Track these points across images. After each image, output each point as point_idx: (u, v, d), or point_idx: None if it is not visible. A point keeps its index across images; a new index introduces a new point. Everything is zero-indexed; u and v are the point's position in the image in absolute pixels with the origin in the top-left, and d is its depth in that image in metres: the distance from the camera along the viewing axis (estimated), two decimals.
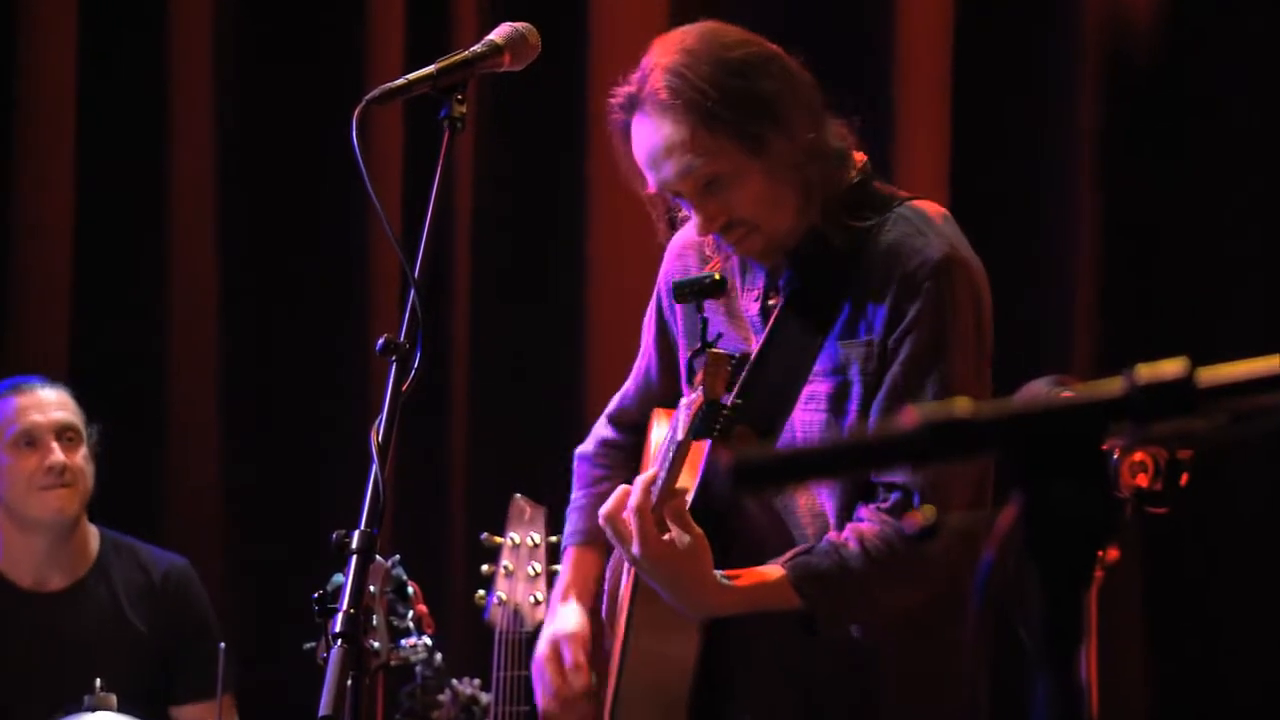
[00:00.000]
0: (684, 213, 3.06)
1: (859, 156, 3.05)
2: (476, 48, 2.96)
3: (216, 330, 5.30)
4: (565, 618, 3.20)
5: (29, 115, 5.21)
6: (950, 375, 2.92)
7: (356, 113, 2.83)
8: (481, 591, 4.15)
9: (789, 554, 2.94)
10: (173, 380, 5.28)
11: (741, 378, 2.99)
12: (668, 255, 3.23)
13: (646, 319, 3.28)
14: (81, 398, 4.69)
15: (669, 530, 2.91)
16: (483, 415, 5.31)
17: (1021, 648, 1.42)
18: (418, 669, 4.20)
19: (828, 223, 2.98)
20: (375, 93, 2.89)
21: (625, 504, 2.92)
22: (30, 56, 5.20)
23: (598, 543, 3.29)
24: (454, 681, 4.27)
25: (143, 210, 5.28)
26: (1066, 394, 1.37)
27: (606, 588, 3.27)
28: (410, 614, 3.92)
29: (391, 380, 2.79)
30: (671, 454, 2.90)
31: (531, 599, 3.75)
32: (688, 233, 3.15)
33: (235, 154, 5.32)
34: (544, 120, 5.32)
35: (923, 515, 1.32)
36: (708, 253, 3.13)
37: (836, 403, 2.97)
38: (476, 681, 4.28)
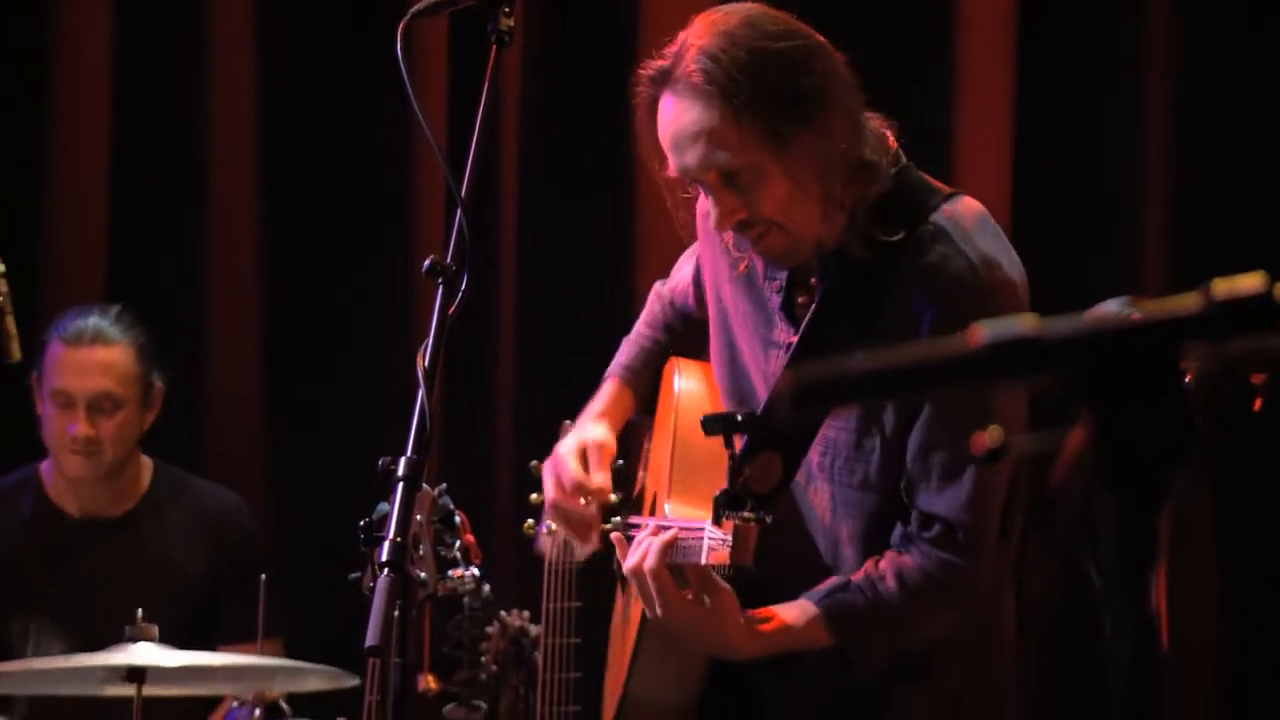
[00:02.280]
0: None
1: (891, 144, 2.95)
2: None
3: (257, 252, 5.31)
4: (595, 430, 3.19)
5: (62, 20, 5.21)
6: (990, 403, 2.86)
7: (401, 26, 2.82)
8: (530, 521, 4.15)
9: (822, 589, 2.93)
10: (214, 305, 5.29)
11: (773, 384, 2.97)
12: (702, 228, 3.14)
13: (687, 261, 3.25)
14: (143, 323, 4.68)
15: (689, 588, 2.89)
16: (531, 339, 5.30)
17: (1086, 587, 1.41)
18: (465, 600, 4.20)
19: (853, 235, 2.90)
20: (420, 5, 2.87)
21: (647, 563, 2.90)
22: None
23: (635, 384, 3.31)
24: (502, 613, 4.28)
25: (181, 127, 5.27)
26: (1138, 315, 1.35)
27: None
28: (457, 544, 3.92)
29: (439, 303, 2.78)
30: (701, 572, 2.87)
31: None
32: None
33: (276, 70, 5.31)
34: (592, 43, 5.30)
35: (990, 437, 1.31)
36: (734, 251, 3.06)
37: (865, 421, 2.93)
38: (525, 613, 4.29)
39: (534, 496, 4.19)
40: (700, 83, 2.85)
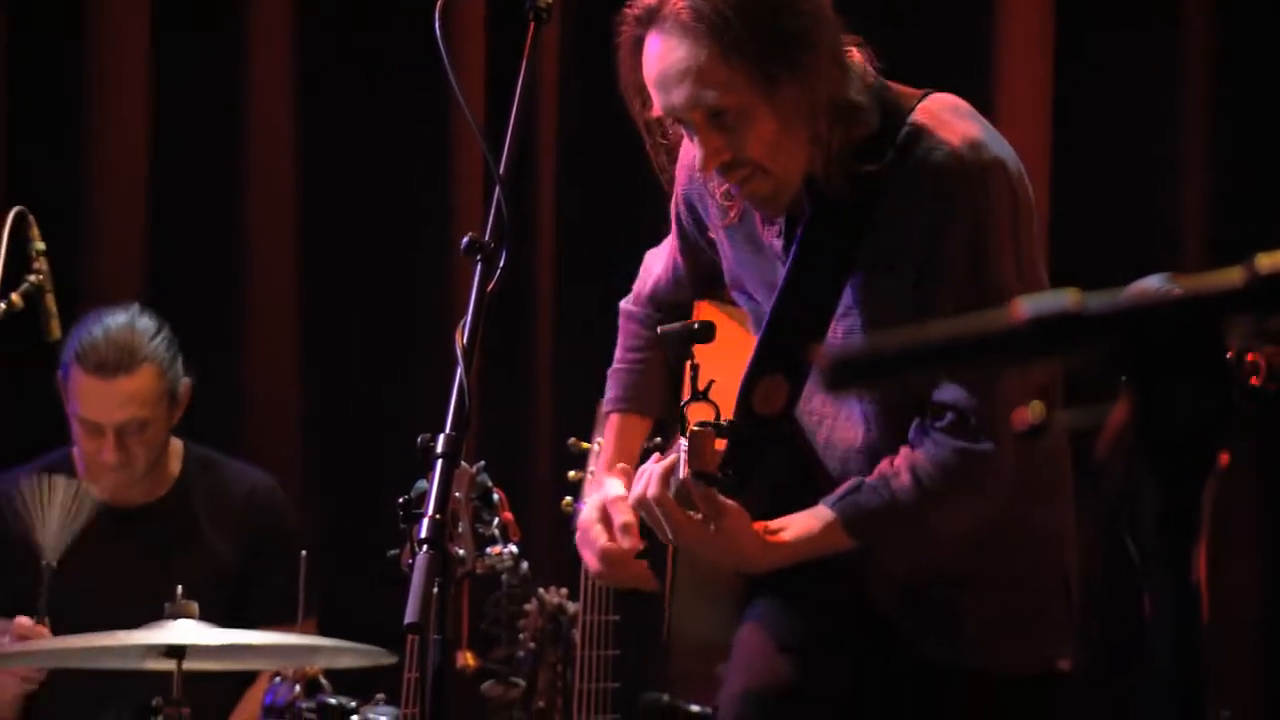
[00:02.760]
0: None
1: (869, 73, 2.92)
2: None
3: (296, 231, 5.32)
4: (611, 485, 3.16)
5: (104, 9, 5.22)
6: (992, 286, 2.85)
7: (439, 5, 2.82)
8: (569, 498, 4.16)
9: (837, 493, 2.92)
10: (253, 285, 5.30)
11: (767, 317, 2.96)
12: (681, 167, 3.13)
13: (673, 209, 3.22)
14: (155, 314, 4.68)
15: (697, 509, 2.88)
16: (569, 318, 5.31)
17: (1126, 556, 1.41)
18: (503, 577, 4.22)
19: (837, 167, 2.88)
20: None
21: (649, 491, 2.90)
22: None
23: (639, 407, 3.28)
24: (540, 590, 4.29)
25: (220, 113, 5.28)
26: (1177, 291, 1.35)
27: None
28: (496, 521, 3.93)
29: (477, 280, 2.78)
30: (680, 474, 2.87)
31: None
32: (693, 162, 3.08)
33: (315, 50, 5.32)
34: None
35: (1032, 411, 1.31)
36: (721, 200, 3.04)
37: (873, 333, 2.92)
38: (563, 590, 4.30)
39: (571, 474, 4.20)
40: (689, 20, 2.83)
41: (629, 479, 3.15)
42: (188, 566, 4.47)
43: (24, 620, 4.22)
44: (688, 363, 2.89)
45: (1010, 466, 2.90)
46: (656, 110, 2.92)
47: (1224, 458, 1.37)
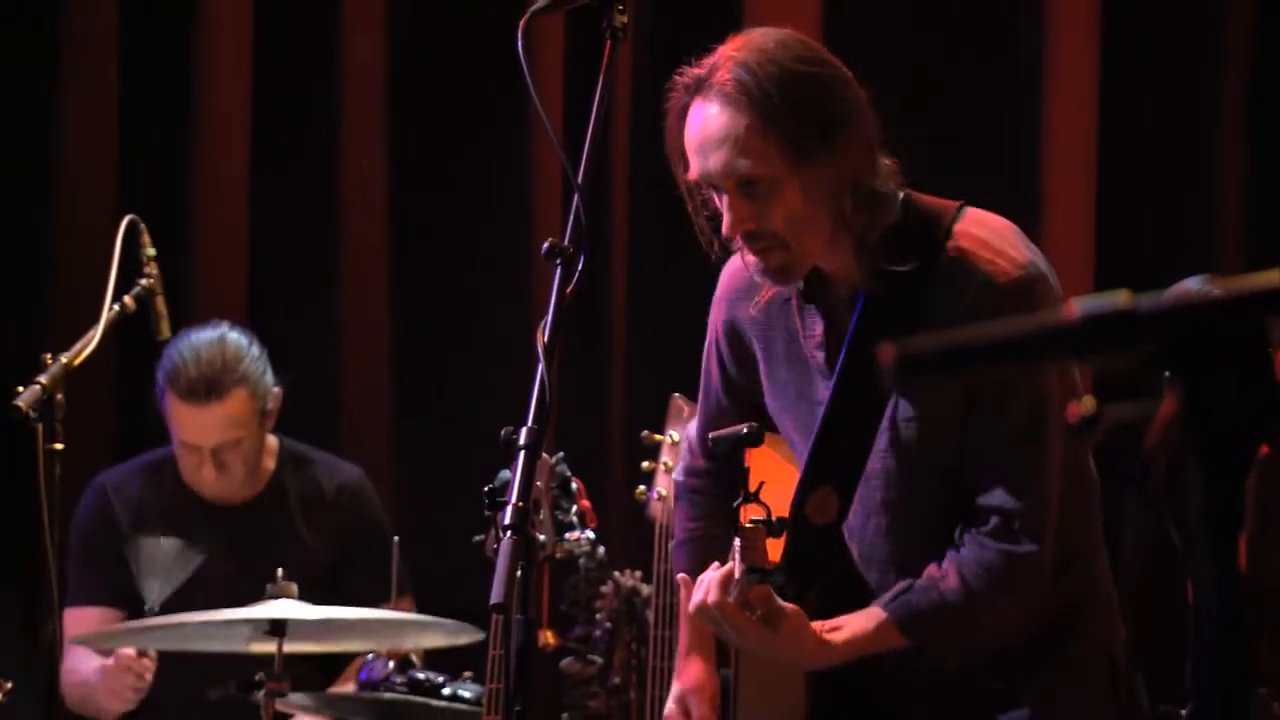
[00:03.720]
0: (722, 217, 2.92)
1: (895, 178, 2.89)
2: None
3: (387, 233, 5.34)
4: (689, 675, 3.15)
5: (206, 34, 5.24)
6: (1044, 410, 2.83)
7: (522, 23, 2.81)
8: (642, 487, 4.16)
9: (888, 595, 2.89)
10: (347, 287, 5.32)
11: (816, 428, 2.92)
12: (718, 301, 3.11)
13: (706, 354, 3.16)
14: (259, 316, 4.69)
15: (758, 613, 2.85)
16: (641, 317, 5.31)
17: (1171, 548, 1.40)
18: (581, 561, 4.22)
19: (867, 267, 2.86)
20: (540, 3, 2.86)
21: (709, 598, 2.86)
22: None
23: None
24: (616, 574, 4.29)
25: (316, 125, 5.30)
26: (1218, 291, 1.33)
27: None
28: (574, 509, 3.94)
29: (556, 283, 2.77)
30: (739, 589, 2.83)
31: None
32: (733, 275, 3.06)
33: (406, 68, 5.34)
34: (699, 39, 5.29)
35: (1084, 406, 1.30)
36: (756, 298, 3.01)
37: (917, 449, 2.88)
38: (638, 574, 4.30)
39: (644, 464, 4.20)
40: (733, 91, 2.81)
41: (705, 665, 3.14)
42: (285, 559, 4.48)
43: (128, 653, 4.22)
44: (742, 469, 2.83)
45: (1043, 566, 2.87)
46: (693, 174, 2.89)
47: (1264, 450, 1.35)
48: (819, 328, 2.95)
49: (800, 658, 2.91)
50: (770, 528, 2.80)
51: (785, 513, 2.90)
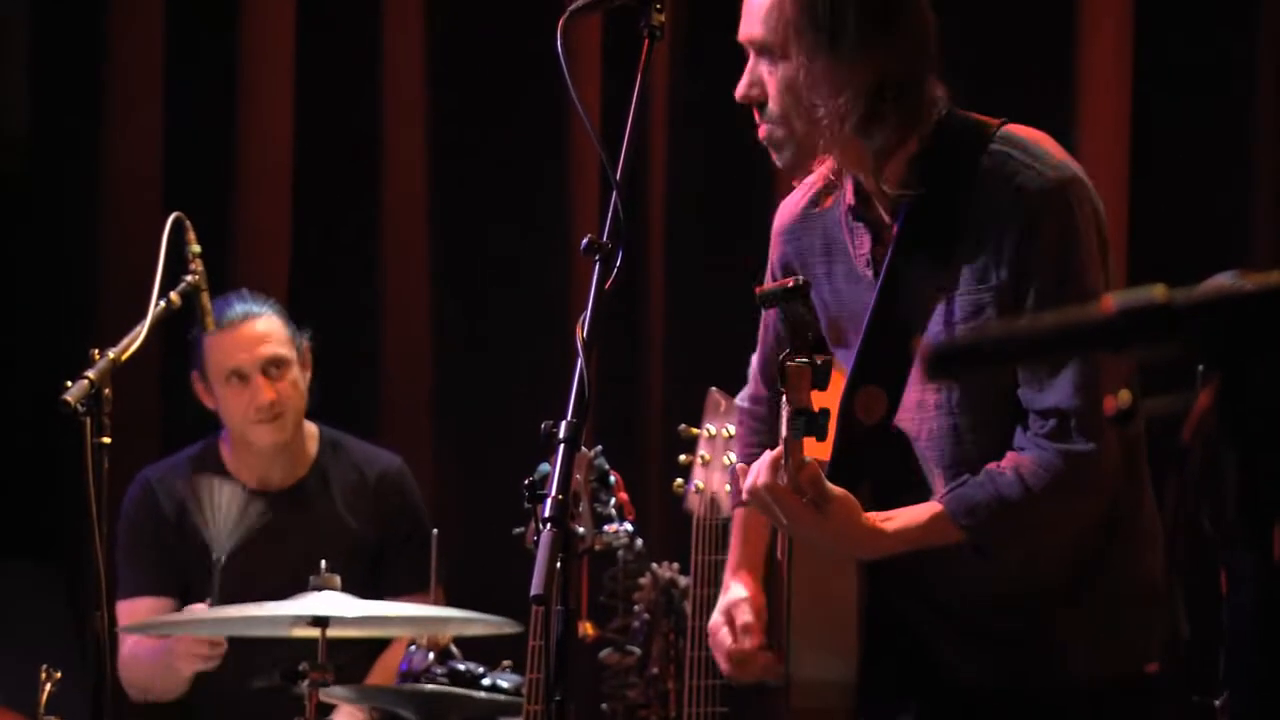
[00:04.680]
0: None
1: (933, 102, 2.89)
2: None
3: (428, 229, 5.34)
4: (735, 590, 3.13)
5: (250, 33, 5.25)
6: (1082, 297, 2.77)
7: (561, 23, 2.81)
8: (680, 480, 4.15)
9: (946, 489, 2.87)
10: (389, 278, 5.33)
11: (864, 329, 2.92)
12: (775, 235, 3.10)
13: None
14: (302, 309, 4.73)
15: (808, 496, 2.82)
16: (679, 312, 5.30)
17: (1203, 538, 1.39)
18: (620, 553, 4.22)
19: (910, 174, 2.87)
20: (578, 3, 2.86)
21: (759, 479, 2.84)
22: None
23: None
24: (654, 565, 4.29)
25: (358, 124, 5.31)
26: (1250, 286, 1.32)
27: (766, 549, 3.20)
28: (612, 501, 3.93)
29: (595, 279, 2.77)
30: (785, 446, 2.81)
31: (727, 487, 3.73)
32: (786, 208, 3.08)
33: (446, 65, 5.34)
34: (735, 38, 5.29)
35: (1119, 400, 1.29)
36: (809, 223, 3.04)
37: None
38: (675, 565, 4.29)
39: (682, 458, 4.20)
40: None
41: (753, 580, 3.13)
42: (327, 543, 4.50)
43: (199, 607, 4.26)
44: (786, 321, 2.82)
45: (1112, 465, 2.84)
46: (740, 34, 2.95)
47: None
48: (866, 244, 2.95)
49: (850, 544, 2.86)
50: (815, 370, 2.75)
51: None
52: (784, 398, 2.75)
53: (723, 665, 3.13)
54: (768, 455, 2.84)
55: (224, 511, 4.47)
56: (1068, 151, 2.93)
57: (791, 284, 2.80)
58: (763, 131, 2.92)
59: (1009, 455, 2.85)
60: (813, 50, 2.84)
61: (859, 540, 2.86)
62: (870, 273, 2.94)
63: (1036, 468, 2.82)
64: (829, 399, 2.91)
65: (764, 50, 2.87)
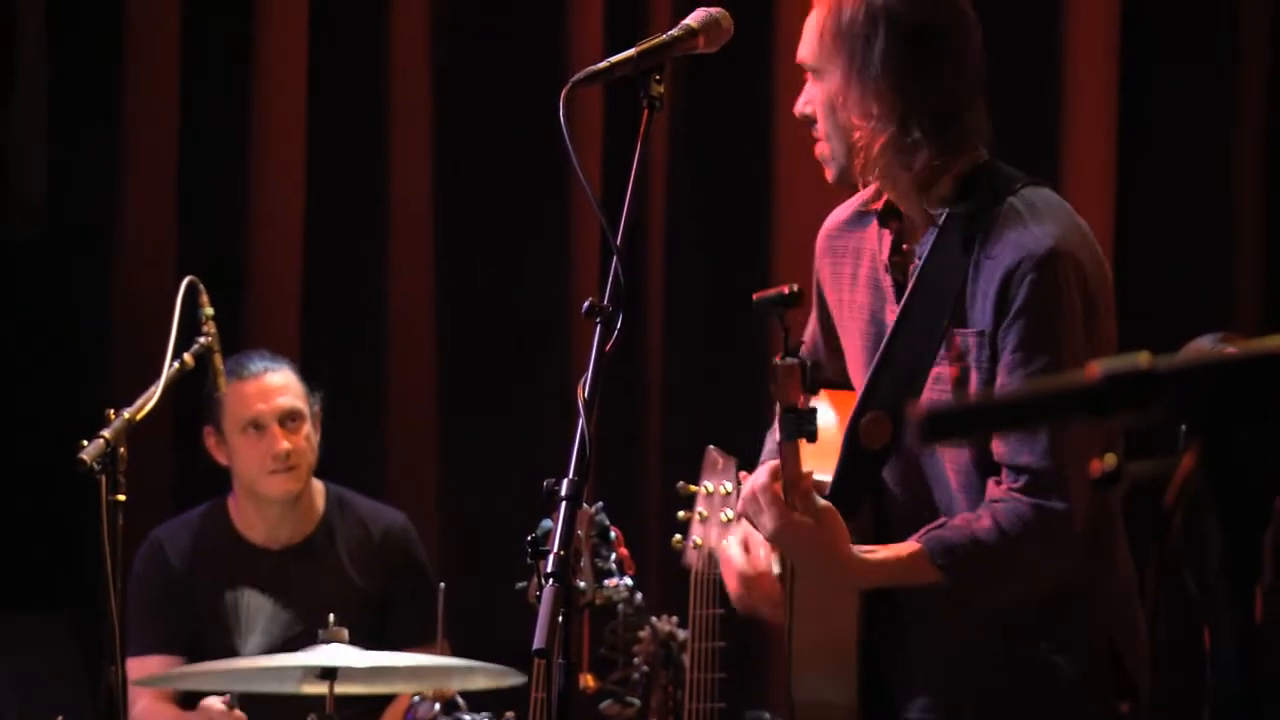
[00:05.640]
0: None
1: (979, 144, 2.97)
2: (674, 31, 2.93)
3: (433, 293, 5.35)
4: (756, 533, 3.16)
5: (266, 80, 5.27)
6: (1058, 367, 2.82)
7: (564, 93, 2.82)
8: (678, 536, 4.14)
9: (924, 529, 2.88)
10: (394, 341, 5.34)
11: (878, 355, 2.95)
12: (818, 251, 3.15)
13: (813, 297, 3.21)
14: (312, 370, 4.74)
15: (798, 509, 2.84)
16: (677, 374, 5.31)
17: (1186, 596, 1.39)
18: (620, 607, 4.21)
19: (935, 201, 2.94)
20: (581, 75, 2.87)
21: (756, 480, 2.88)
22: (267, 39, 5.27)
23: None
24: (653, 619, 4.28)
25: (365, 191, 5.33)
26: (1231, 349, 1.33)
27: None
28: (613, 556, 3.93)
29: (596, 340, 2.78)
30: (781, 450, 2.84)
31: (724, 543, 3.73)
32: (828, 222, 3.13)
33: (452, 136, 5.36)
34: (731, 110, 5.31)
35: (1104, 462, 1.30)
36: (846, 230, 3.10)
37: (959, 388, 2.90)
38: (674, 619, 4.28)
39: (680, 514, 4.19)
40: (833, 4, 2.95)
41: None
42: (334, 597, 4.49)
43: (215, 704, 4.23)
44: (781, 327, 2.84)
45: (1082, 526, 2.86)
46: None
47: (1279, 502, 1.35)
48: (887, 249, 3.01)
49: (828, 564, 2.88)
50: (804, 372, 2.78)
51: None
52: (774, 397, 2.78)
53: (731, 586, 3.12)
54: (768, 464, 2.86)
55: (258, 625, 4.48)
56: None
57: (786, 290, 2.83)
58: (816, 148, 3.01)
59: (984, 504, 2.88)
60: (846, 73, 2.93)
61: (838, 563, 2.88)
62: (889, 280, 2.99)
63: (1013, 518, 2.84)
64: (839, 424, 2.94)
65: (812, 70, 2.98)
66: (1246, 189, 5.23)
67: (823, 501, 2.85)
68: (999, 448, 2.87)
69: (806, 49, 2.98)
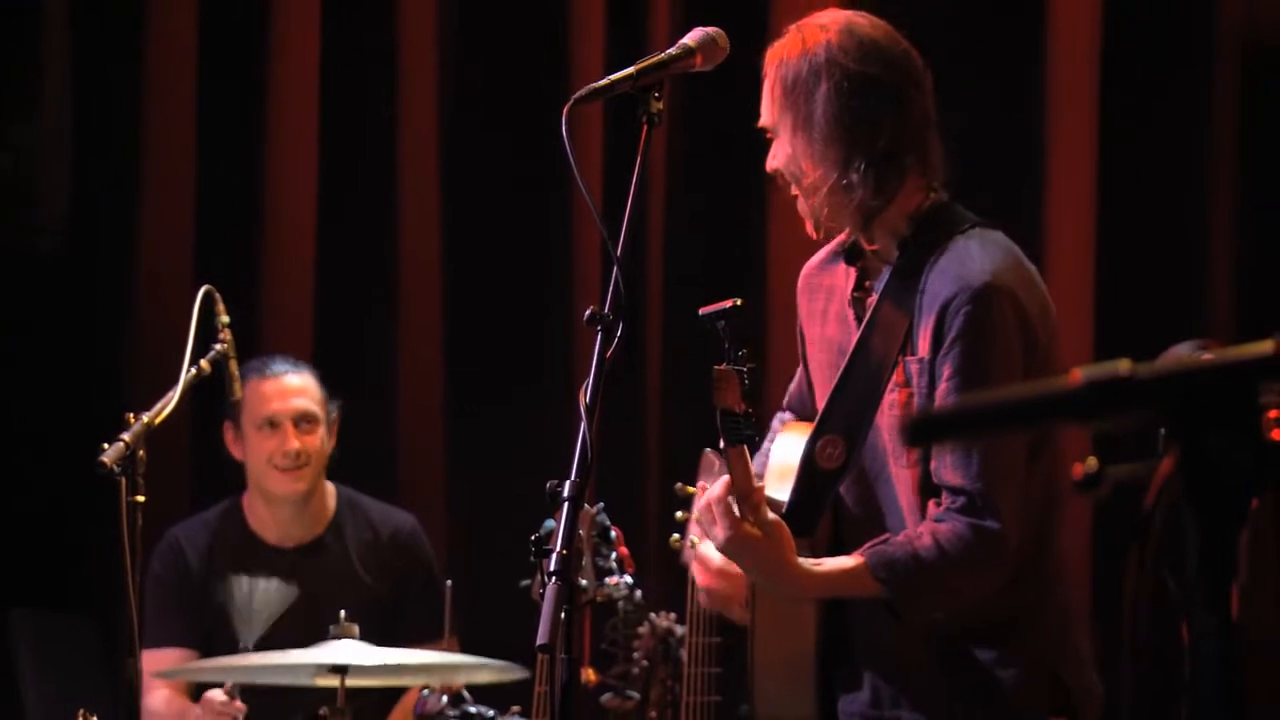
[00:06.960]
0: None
1: (928, 187, 2.99)
2: (672, 50, 2.94)
3: (442, 299, 5.35)
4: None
5: (278, 105, 5.27)
6: (995, 373, 2.86)
7: (565, 111, 2.82)
8: (676, 535, 4.14)
9: (867, 545, 2.90)
10: (404, 346, 5.33)
11: (836, 379, 2.99)
12: (798, 291, 3.18)
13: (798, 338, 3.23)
14: (324, 376, 4.74)
15: (749, 521, 2.86)
16: (675, 378, 5.31)
17: (1167, 597, 1.39)
18: (620, 604, 4.21)
19: (878, 230, 2.97)
20: (582, 93, 2.87)
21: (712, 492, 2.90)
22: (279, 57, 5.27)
23: None
24: (652, 615, 4.28)
25: (374, 210, 5.33)
26: (1208, 357, 1.33)
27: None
28: (613, 555, 3.93)
29: (597, 347, 2.78)
30: (725, 455, 2.86)
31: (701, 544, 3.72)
32: (807, 266, 3.16)
33: (458, 153, 5.36)
34: (727, 124, 5.31)
35: (1085, 465, 1.29)
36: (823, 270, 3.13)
37: (908, 413, 2.92)
38: (673, 615, 4.28)
39: (678, 514, 4.19)
40: (778, 61, 2.99)
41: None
42: (345, 596, 4.49)
43: (216, 696, 4.22)
44: (722, 340, 2.89)
45: (1015, 543, 2.88)
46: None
47: (1255, 503, 1.34)
48: (850, 285, 3.04)
49: (774, 575, 2.90)
50: (742, 377, 2.82)
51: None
52: (714, 402, 2.80)
53: (700, 581, 3.13)
54: (724, 477, 2.87)
55: (258, 606, 4.47)
56: (1037, 229, 2.97)
57: (730, 304, 2.87)
58: (797, 205, 3.03)
59: (925, 523, 2.90)
60: (794, 126, 2.97)
61: (784, 574, 2.90)
62: (852, 312, 3.02)
63: (951, 536, 2.87)
64: (797, 444, 2.96)
65: (771, 129, 3.02)
66: (1222, 196, 5.22)
67: (773, 515, 2.87)
68: (937, 470, 2.89)
69: (764, 112, 3.02)
